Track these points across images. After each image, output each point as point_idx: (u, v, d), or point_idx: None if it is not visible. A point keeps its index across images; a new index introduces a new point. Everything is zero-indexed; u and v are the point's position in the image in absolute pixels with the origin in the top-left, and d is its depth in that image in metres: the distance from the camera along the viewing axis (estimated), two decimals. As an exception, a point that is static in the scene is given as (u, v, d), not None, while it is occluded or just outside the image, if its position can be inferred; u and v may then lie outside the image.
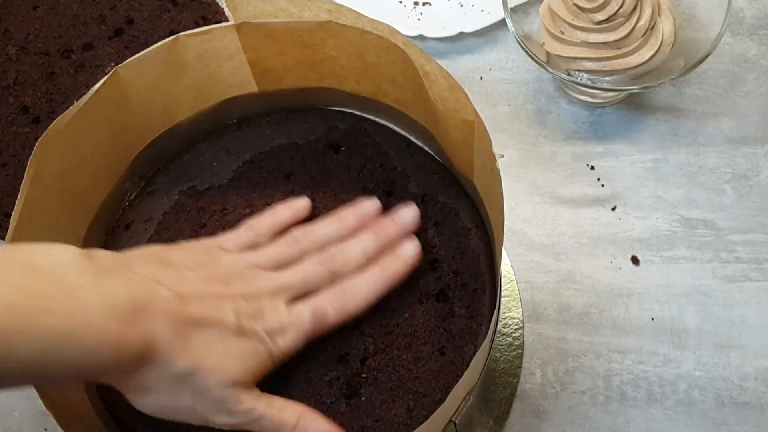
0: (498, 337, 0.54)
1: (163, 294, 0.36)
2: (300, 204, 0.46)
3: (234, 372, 0.37)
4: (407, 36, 0.40)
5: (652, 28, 0.57)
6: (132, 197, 0.48)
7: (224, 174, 0.48)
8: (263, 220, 0.44)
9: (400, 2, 0.69)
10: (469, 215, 0.46)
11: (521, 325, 0.55)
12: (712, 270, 0.58)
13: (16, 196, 0.39)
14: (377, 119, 0.50)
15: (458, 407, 0.37)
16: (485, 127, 0.38)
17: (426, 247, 0.45)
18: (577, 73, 0.59)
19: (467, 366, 0.41)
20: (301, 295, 0.41)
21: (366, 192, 0.47)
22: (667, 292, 0.57)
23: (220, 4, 0.65)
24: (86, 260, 0.34)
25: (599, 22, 0.56)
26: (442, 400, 0.41)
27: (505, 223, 0.37)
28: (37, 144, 0.39)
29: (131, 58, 0.42)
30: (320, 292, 0.41)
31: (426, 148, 0.49)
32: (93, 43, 0.63)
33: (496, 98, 0.65)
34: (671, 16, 0.58)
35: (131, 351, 0.34)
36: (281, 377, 0.43)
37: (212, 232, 0.46)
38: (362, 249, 0.43)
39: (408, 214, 0.44)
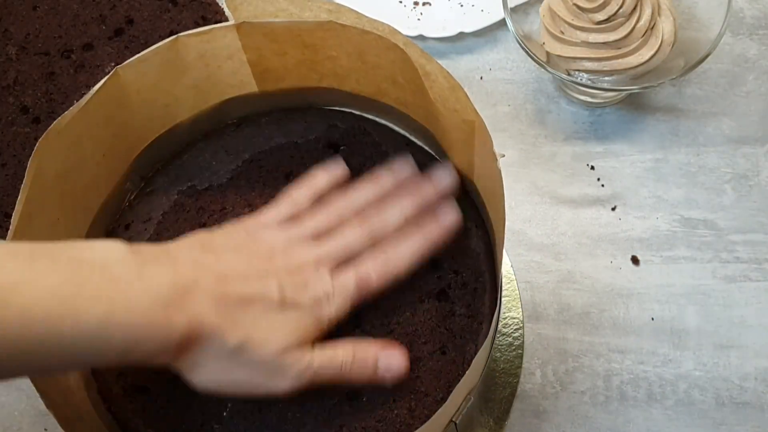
0: (498, 337, 0.54)
1: (205, 278, 0.37)
2: (337, 169, 0.46)
3: (283, 341, 0.38)
4: (407, 36, 0.40)
5: (652, 28, 0.57)
6: (132, 197, 0.48)
7: (223, 173, 0.48)
8: (302, 189, 0.45)
9: (400, 2, 0.69)
10: (469, 215, 0.46)
11: (521, 325, 0.55)
12: (712, 270, 0.58)
13: (16, 196, 0.38)
14: (377, 119, 0.50)
15: (459, 407, 0.37)
16: (486, 127, 0.38)
17: None
18: (577, 73, 0.59)
19: (468, 365, 0.41)
20: (344, 261, 0.42)
21: None
22: (667, 292, 0.57)
23: (220, 4, 0.65)
24: (132, 253, 0.36)
25: (599, 22, 0.56)
26: (443, 400, 0.41)
27: (506, 222, 0.37)
28: (37, 144, 0.39)
29: (131, 59, 0.42)
30: (363, 258, 0.42)
31: (426, 148, 0.49)
32: (93, 43, 0.63)
33: (496, 98, 0.65)
34: (671, 16, 0.58)
35: (178, 334, 0.35)
36: None
37: None
38: (401, 212, 0.43)
39: (446, 176, 0.45)
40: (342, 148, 0.49)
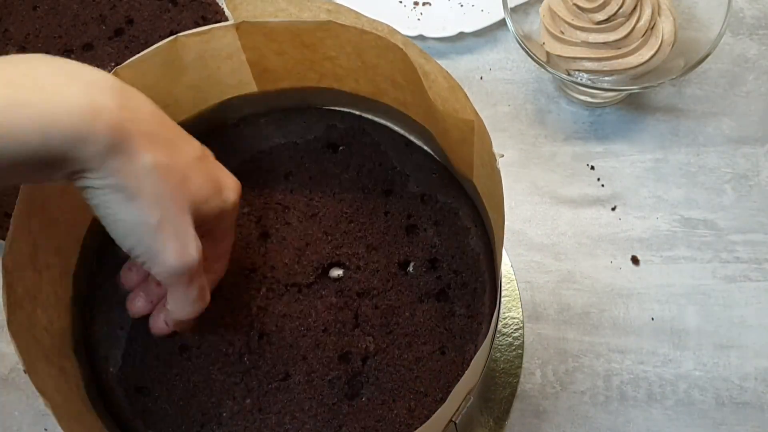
0: (498, 337, 0.54)
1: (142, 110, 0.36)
2: None
3: (196, 193, 0.37)
4: (407, 36, 0.40)
5: (652, 28, 0.57)
6: None
7: None
8: None
9: (400, 2, 0.69)
10: (468, 215, 0.46)
11: (521, 325, 0.55)
12: (712, 270, 0.58)
13: (16, 196, 0.38)
14: (376, 119, 0.50)
15: (459, 407, 0.37)
16: (485, 127, 0.38)
17: (426, 247, 0.46)
18: (577, 73, 0.59)
19: (468, 365, 0.41)
20: None
21: (365, 191, 0.47)
22: (667, 292, 0.57)
23: (220, 4, 0.65)
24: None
25: (599, 22, 0.56)
26: (443, 400, 0.41)
27: (506, 223, 0.37)
28: None
29: (131, 59, 0.42)
30: None
31: (425, 148, 0.49)
32: (93, 43, 0.63)
33: (496, 98, 0.65)
34: (671, 16, 0.58)
35: (102, 136, 0.33)
36: (283, 377, 0.43)
37: None
38: None
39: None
40: (341, 148, 0.49)
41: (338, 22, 0.41)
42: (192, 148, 0.39)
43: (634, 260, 0.58)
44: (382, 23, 0.41)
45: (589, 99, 0.63)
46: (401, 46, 0.40)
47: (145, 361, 0.44)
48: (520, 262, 0.59)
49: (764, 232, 0.59)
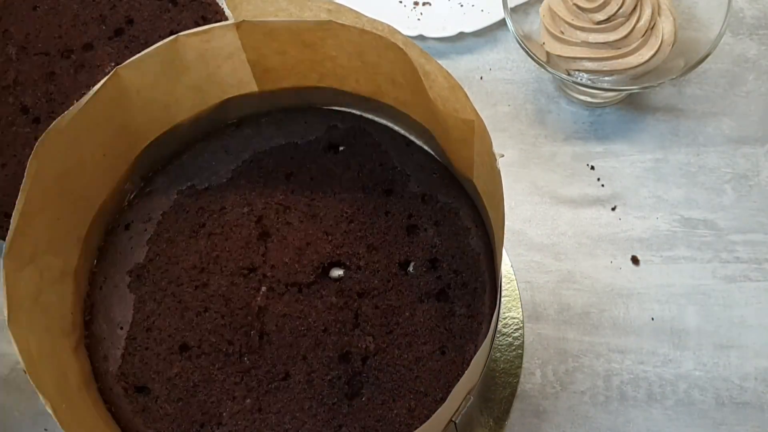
0: (498, 337, 0.54)
1: None
2: None
3: None
4: (407, 36, 0.40)
5: (652, 28, 0.57)
6: (131, 197, 0.48)
7: (223, 173, 0.48)
8: None
9: (400, 2, 0.69)
10: (469, 215, 0.46)
11: (521, 325, 0.55)
12: (712, 270, 0.58)
13: (16, 196, 0.38)
14: (377, 119, 0.50)
15: (459, 407, 0.37)
16: (485, 127, 0.38)
17: (426, 247, 0.46)
18: (577, 73, 0.59)
19: (468, 365, 0.41)
20: None
21: (365, 191, 0.47)
22: (667, 292, 0.57)
23: (220, 4, 0.65)
24: None
25: (599, 22, 0.56)
26: (443, 400, 0.41)
27: (506, 223, 0.37)
28: (37, 144, 0.39)
29: (131, 59, 0.42)
30: None
31: (426, 148, 0.49)
32: (93, 43, 0.63)
33: (496, 98, 0.65)
34: (671, 16, 0.58)
35: None
36: (283, 377, 0.43)
37: (211, 232, 0.46)
38: None
39: None
40: (342, 148, 0.49)
41: (339, 21, 0.41)
42: None
43: (634, 260, 0.58)
44: (382, 23, 0.41)
45: (589, 99, 0.63)
46: (402, 45, 0.40)
47: (144, 361, 0.44)
48: (520, 262, 0.59)
49: (764, 232, 0.59)
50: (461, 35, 0.66)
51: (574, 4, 0.56)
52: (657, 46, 0.57)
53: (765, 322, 0.56)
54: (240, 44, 0.44)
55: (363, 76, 0.45)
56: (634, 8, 0.56)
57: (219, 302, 0.45)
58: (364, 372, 0.43)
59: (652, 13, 0.57)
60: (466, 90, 0.39)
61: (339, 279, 0.45)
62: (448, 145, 0.45)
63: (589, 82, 0.59)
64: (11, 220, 0.38)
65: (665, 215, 0.60)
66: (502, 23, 0.65)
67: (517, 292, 0.56)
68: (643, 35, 0.57)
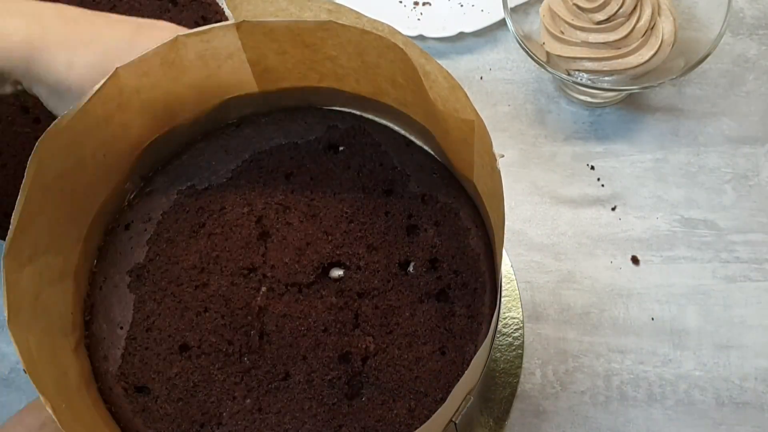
0: (498, 337, 0.54)
1: None
2: None
3: None
4: (407, 36, 0.40)
5: (652, 28, 0.57)
6: (131, 197, 0.48)
7: (223, 173, 0.48)
8: None
9: (400, 2, 0.69)
10: (469, 215, 0.46)
11: (521, 325, 0.55)
12: (712, 270, 0.58)
13: (16, 196, 0.38)
14: (376, 119, 0.50)
15: (459, 407, 0.37)
16: (485, 127, 0.38)
17: (426, 247, 0.46)
18: (577, 73, 0.59)
19: (468, 365, 0.41)
20: None
21: (365, 191, 0.47)
22: (667, 292, 0.57)
23: (220, 4, 0.65)
24: None
25: (599, 22, 0.56)
26: (443, 400, 0.41)
27: (506, 223, 0.37)
28: (37, 144, 0.39)
29: (131, 59, 0.42)
30: None
31: (426, 148, 0.49)
32: (93, 43, 0.63)
33: (496, 98, 0.65)
34: (671, 16, 0.58)
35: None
36: (283, 377, 0.43)
37: (211, 232, 0.46)
38: None
39: None
40: (341, 148, 0.49)
41: (339, 22, 0.41)
42: (115, 30, 0.45)
43: (634, 260, 0.58)
44: (382, 23, 0.41)
45: (589, 99, 0.63)
46: (402, 46, 0.40)
47: (144, 361, 0.44)
48: (520, 262, 0.59)
49: (764, 232, 0.59)
50: (461, 35, 0.66)
51: (574, 4, 0.56)
52: (657, 46, 0.57)
53: (765, 322, 0.56)
54: (240, 44, 0.44)
55: (363, 76, 0.45)
56: (634, 8, 0.56)
57: (219, 302, 0.45)
58: (364, 372, 0.43)
59: (652, 13, 0.57)
60: (466, 90, 0.39)
61: (339, 279, 0.45)
62: (448, 146, 0.45)
63: (589, 82, 0.59)
64: (11, 220, 0.38)
65: (665, 215, 0.60)
66: (502, 23, 0.65)
67: (517, 292, 0.56)
68: (643, 35, 0.57)
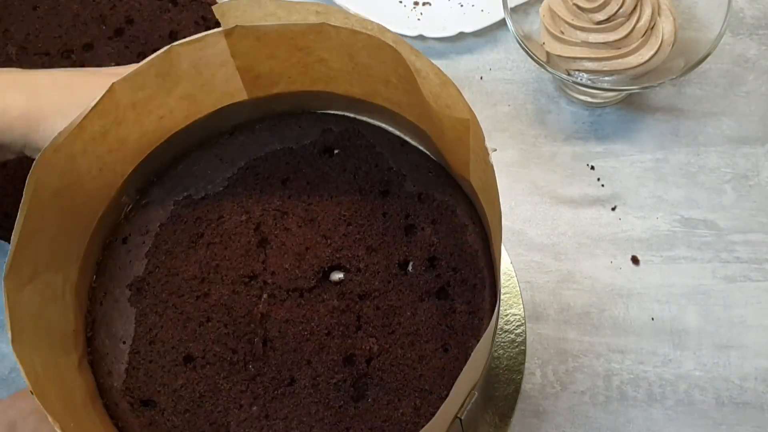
0: (500, 335, 0.54)
1: None
2: None
3: None
4: (407, 36, 0.40)
5: (652, 28, 0.57)
6: (128, 210, 0.48)
7: (219, 182, 0.48)
8: None
9: (400, 2, 0.69)
10: (465, 212, 0.46)
11: (523, 321, 0.55)
12: (712, 270, 0.58)
13: (16, 196, 0.38)
14: (371, 120, 0.49)
15: (463, 403, 0.37)
16: (478, 123, 0.38)
17: (424, 246, 0.46)
18: (577, 73, 0.59)
19: (471, 361, 0.41)
20: None
21: (362, 193, 0.47)
22: (667, 292, 0.57)
23: (220, 4, 0.65)
24: None
25: (599, 22, 0.56)
26: (447, 397, 0.41)
27: (506, 223, 0.37)
28: (34, 163, 0.38)
29: (126, 73, 0.41)
30: None
31: (421, 147, 0.49)
32: (93, 43, 0.63)
33: (496, 98, 0.65)
34: (671, 16, 0.58)
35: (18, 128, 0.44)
36: (288, 383, 0.43)
37: (210, 242, 0.46)
38: None
39: None
40: (336, 151, 0.49)
41: (328, 23, 0.41)
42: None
43: (634, 260, 0.58)
44: (372, 22, 0.40)
45: (589, 99, 0.63)
46: (392, 44, 0.40)
47: (149, 374, 0.44)
48: (520, 262, 0.59)
49: (764, 232, 0.59)
50: (461, 35, 0.66)
51: (574, 4, 0.56)
52: (657, 46, 0.57)
53: (765, 322, 0.56)
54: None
55: (355, 77, 0.45)
56: (634, 8, 0.56)
57: (221, 311, 0.45)
58: (368, 373, 0.43)
59: (652, 13, 0.57)
60: (466, 90, 0.39)
61: (339, 282, 0.45)
62: (444, 146, 0.45)
63: (589, 82, 0.59)
64: (11, 239, 0.38)
65: (665, 215, 0.60)
66: (502, 23, 0.65)
67: (518, 289, 0.56)
68: (643, 35, 0.57)
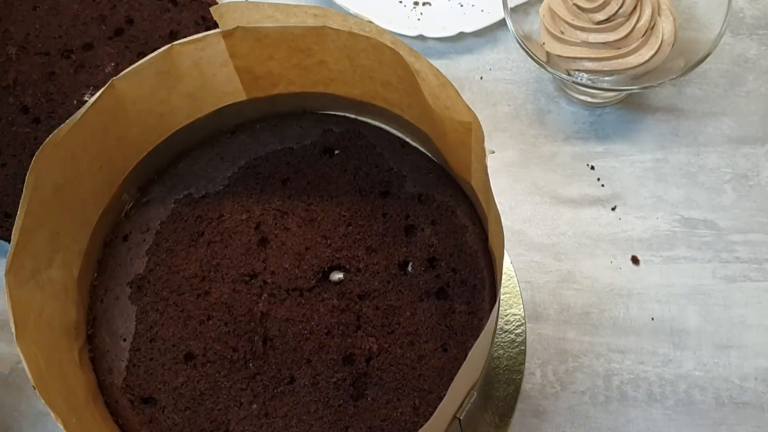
0: (500, 334, 0.54)
1: None
2: None
3: None
4: (407, 36, 0.40)
5: (652, 28, 0.57)
6: (129, 208, 0.48)
7: (220, 181, 0.48)
8: None
9: (400, 2, 0.69)
10: (465, 213, 0.46)
11: (523, 321, 0.55)
12: (712, 270, 0.58)
13: (16, 196, 0.39)
14: (371, 121, 0.50)
15: (462, 402, 0.37)
16: (479, 124, 0.38)
17: (424, 246, 0.46)
18: (577, 73, 0.59)
19: (470, 361, 0.41)
20: None
21: (362, 194, 0.47)
22: (667, 292, 0.57)
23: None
24: None
25: (599, 22, 0.56)
26: (446, 396, 0.41)
27: (506, 223, 0.37)
28: (34, 158, 0.39)
29: (127, 70, 0.42)
30: None
31: (421, 148, 0.49)
32: (93, 43, 0.63)
33: (496, 98, 0.65)
34: (671, 16, 0.58)
35: None
36: (288, 381, 0.43)
37: (210, 240, 0.46)
38: None
39: None
40: (337, 152, 0.49)
41: (326, 25, 0.41)
42: None
43: (634, 260, 0.58)
44: (370, 24, 0.40)
45: (589, 99, 0.63)
46: (390, 45, 0.40)
47: (150, 372, 0.44)
48: (520, 262, 0.59)
49: (764, 232, 0.59)
50: (461, 35, 0.66)
51: (574, 4, 0.56)
52: (657, 46, 0.57)
53: (765, 322, 0.56)
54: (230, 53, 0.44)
55: (355, 79, 0.45)
56: (634, 8, 0.56)
57: (221, 310, 0.45)
58: (368, 373, 0.43)
59: (652, 13, 0.57)
60: (466, 90, 0.39)
61: (339, 282, 0.45)
62: (445, 147, 0.45)
63: (589, 82, 0.59)
64: (12, 236, 0.38)
65: (665, 215, 0.60)
66: (502, 23, 0.65)
67: (518, 289, 0.56)
68: (643, 35, 0.57)
